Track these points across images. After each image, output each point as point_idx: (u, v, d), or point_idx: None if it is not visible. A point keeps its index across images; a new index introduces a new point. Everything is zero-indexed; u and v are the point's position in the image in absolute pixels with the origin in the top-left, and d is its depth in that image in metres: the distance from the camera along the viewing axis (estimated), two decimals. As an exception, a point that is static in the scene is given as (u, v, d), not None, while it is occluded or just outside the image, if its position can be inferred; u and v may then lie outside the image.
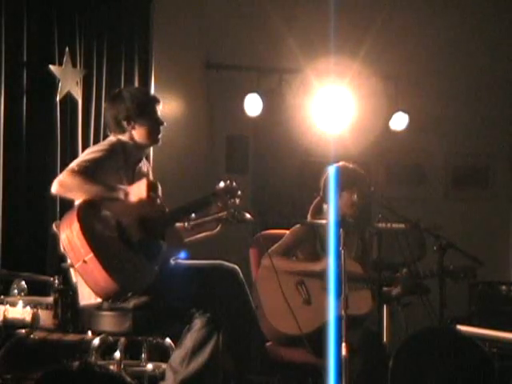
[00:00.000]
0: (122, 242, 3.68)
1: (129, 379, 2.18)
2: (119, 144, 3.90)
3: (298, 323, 4.05)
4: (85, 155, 3.78)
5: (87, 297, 3.82)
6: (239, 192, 4.06)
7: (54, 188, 3.67)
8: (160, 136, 4.01)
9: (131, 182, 3.85)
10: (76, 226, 3.58)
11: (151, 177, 4.10)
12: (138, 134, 3.93)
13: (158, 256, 3.78)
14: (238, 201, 4.04)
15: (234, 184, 4.07)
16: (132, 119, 3.92)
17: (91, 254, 3.54)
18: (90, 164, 3.68)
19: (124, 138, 3.93)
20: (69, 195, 3.77)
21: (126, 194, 3.70)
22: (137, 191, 3.69)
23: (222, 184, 4.04)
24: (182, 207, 3.98)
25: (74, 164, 3.70)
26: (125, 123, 3.92)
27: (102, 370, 2.11)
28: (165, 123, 4.02)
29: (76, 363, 2.12)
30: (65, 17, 5.67)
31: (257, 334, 3.98)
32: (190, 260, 4.04)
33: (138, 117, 3.92)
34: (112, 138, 3.96)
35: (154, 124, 3.96)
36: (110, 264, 3.56)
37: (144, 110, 3.93)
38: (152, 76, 6.23)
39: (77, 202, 3.77)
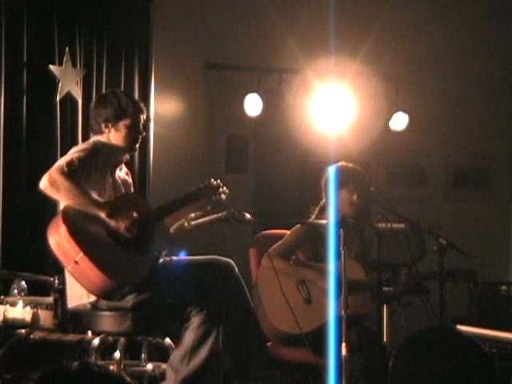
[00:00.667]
0: (111, 239, 3.68)
1: (129, 379, 2.17)
2: (100, 144, 3.93)
3: (298, 322, 4.05)
4: (71, 154, 3.78)
5: (76, 298, 3.82)
6: (223, 188, 4.09)
7: (43, 184, 3.66)
8: (137, 145, 4.04)
9: (113, 185, 3.89)
10: (63, 228, 3.60)
11: (132, 186, 4.14)
12: (114, 137, 3.96)
13: (148, 250, 3.79)
14: (223, 196, 4.08)
15: (218, 181, 4.12)
16: (110, 122, 3.95)
17: (81, 254, 3.55)
18: (78, 163, 3.68)
19: (102, 138, 3.96)
20: (55, 195, 3.71)
21: (110, 216, 3.66)
22: (123, 216, 3.68)
23: (204, 183, 4.11)
24: (165, 205, 4.00)
25: (62, 162, 3.68)
26: (103, 126, 3.96)
27: (102, 370, 2.10)
28: (144, 133, 4.05)
29: (75, 363, 2.12)
30: (65, 17, 5.66)
31: (257, 333, 3.98)
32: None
33: (116, 121, 3.94)
34: (94, 139, 4.00)
35: (131, 132, 3.97)
36: (101, 261, 3.57)
37: (123, 116, 3.94)
38: (152, 76, 6.23)
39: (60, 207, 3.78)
